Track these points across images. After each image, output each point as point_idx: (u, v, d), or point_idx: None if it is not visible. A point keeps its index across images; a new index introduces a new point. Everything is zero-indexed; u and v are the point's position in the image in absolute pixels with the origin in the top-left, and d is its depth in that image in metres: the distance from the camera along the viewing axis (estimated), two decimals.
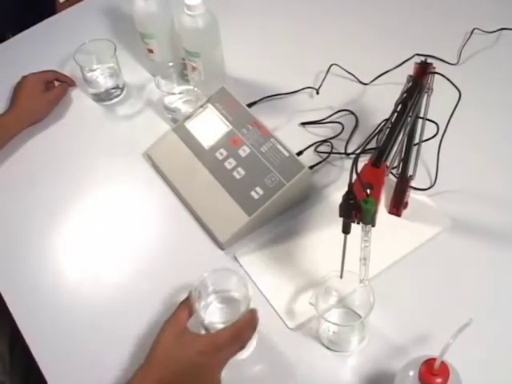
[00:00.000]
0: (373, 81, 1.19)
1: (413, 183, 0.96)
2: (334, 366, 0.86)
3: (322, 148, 1.09)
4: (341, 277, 0.82)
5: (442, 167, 1.01)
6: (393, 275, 0.92)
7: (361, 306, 0.87)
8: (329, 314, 0.88)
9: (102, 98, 1.22)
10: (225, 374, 0.77)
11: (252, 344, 0.85)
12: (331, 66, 1.21)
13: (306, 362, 0.86)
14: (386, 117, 0.79)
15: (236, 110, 1.05)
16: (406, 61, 1.19)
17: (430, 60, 0.84)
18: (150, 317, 0.92)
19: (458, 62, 1.20)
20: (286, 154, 0.99)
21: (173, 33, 1.19)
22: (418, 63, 0.84)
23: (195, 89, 1.14)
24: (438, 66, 0.84)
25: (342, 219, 0.73)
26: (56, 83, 1.23)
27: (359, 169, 0.69)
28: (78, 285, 0.97)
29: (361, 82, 1.20)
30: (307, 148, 1.08)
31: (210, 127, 1.05)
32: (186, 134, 1.07)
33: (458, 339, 0.66)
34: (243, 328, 0.78)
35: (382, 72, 1.19)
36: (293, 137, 1.07)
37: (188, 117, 1.08)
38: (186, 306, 0.80)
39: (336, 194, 1.02)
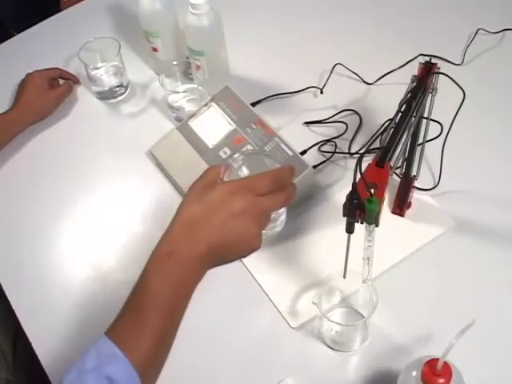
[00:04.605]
0: (377, 80, 1.19)
1: (416, 183, 0.96)
2: (336, 366, 0.86)
3: (326, 147, 1.09)
4: (344, 276, 0.82)
5: (445, 167, 1.01)
6: (396, 275, 0.92)
7: (364, 305, 0.87)
8: (332, 314, 0.88)
9: (106, 96, 1.22)
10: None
11: (283, 213, 0.82)
12: (335, 65, 1.21)
13: (308, 361, 0.86)
14: (390, 117, 0.79)
15: (240, 109, 1.05)
16: (411, 61, 1.19)
17: (434, 60, 0.84)
18: None
19: (462, 62, 1.20)
20: (290, 153, 0.99)
21: (177, 31, 1.19)
22: (422, 63, 0.84)
23: (199, 87, 1.14)
24: (442, 66, 0.84)
25: (345, 219, 0.73)
26: (61, 81, 1.23)
27: (363, 169, 0.69)
28: (81, 283, 0.97)
29: (365, 82, 1.20)
30: (311, 147, 1.08)
31: (213, 126, 1.05)
32: (190, 132, 1.07)
33: (461, 340, 0.66)
34: (281, 171, 0.72)
35: (386, 72, 1.19)
36: (297, 136, 1.07)
37: (192, 115, 1.08)
38: (217, 167, 0.73)
39: (340, 194, 1.02)
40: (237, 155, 0.80)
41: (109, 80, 1.21)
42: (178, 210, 0.69)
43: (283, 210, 0.82)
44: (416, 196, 0.99)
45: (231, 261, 0.71)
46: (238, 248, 0.69)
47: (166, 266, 0.66)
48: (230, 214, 0.66)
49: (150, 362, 0.65)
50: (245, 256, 0.70)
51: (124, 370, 0.63)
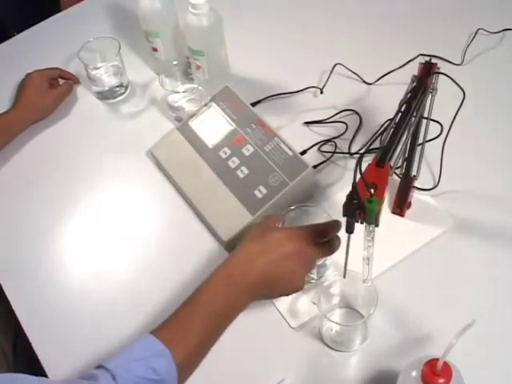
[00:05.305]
0: (377, 80, 1.19)
1: (416, 183, 0.96)
2: (336, 366, 0.86)
3: (326, 147, 1.09)
4: (344, 276, 0.82)
5: (445, 167, 1.01)
6: (396, 275, 0.92)
7: (364, 305, 0.87)
8: (331, 314, 0.88)
9: (106, 96, 1.22)
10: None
11: (324, 266, 0.91)
12: (335, 65, 1.21)
13: (308, 361, 0.86)
14: (390, 117, 0.79)
15: (240, 109, 1.05)
16: (411, 61, 1.19)
17: (434, 60, 0.84)
18: (154, 315, 0.92)
19: (462, 62, 1.20)
20: (290, 153, 0.99)
21: (177, 31, 1.19)
22: (422, 63, 0.84)
23: (199, 87, 1.14)
24: (442, 66, 0.84)
25: (345, 219, 0.73)
26: (60, 81, 1.23)
27: (363, 169, 0.69)
28: (81, 283, 0.98)
29: (365, 82, 1.20)
30: (311, 147, 1.08)
31: (213, 126, 1.05)
32: (190, 132, 1.07)
33: (461, 340, 0.66)
34: (328, 225, 0.82)
35: (386, 72, 1.19)
36: (297, 136, 1.07)
37: (192, 115, 1.08)
38: (275, 216, 0.88)
39: (340, 194, 1.02)
40: (292, 207, 0.92)
41: (109, 80, 1.21)
42: (239, 245, 0.80)
43: (322, 263, 0.90)
44: (416, 196, 0.99)
45: (275, 296, 0.84)
46: (284, 284, 0.79)
47: (222, 286, 0.77)
48: (282, 254, 0.78)
49: (189, 363, 0.73)
50: (287, 294, 0.81)
51: (166, 365, 0.69)
